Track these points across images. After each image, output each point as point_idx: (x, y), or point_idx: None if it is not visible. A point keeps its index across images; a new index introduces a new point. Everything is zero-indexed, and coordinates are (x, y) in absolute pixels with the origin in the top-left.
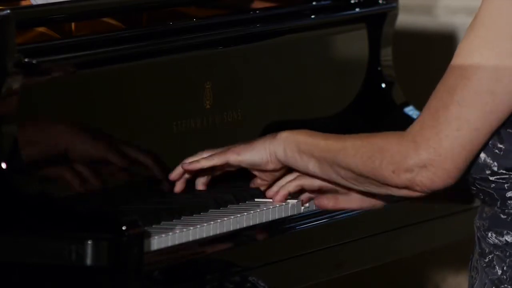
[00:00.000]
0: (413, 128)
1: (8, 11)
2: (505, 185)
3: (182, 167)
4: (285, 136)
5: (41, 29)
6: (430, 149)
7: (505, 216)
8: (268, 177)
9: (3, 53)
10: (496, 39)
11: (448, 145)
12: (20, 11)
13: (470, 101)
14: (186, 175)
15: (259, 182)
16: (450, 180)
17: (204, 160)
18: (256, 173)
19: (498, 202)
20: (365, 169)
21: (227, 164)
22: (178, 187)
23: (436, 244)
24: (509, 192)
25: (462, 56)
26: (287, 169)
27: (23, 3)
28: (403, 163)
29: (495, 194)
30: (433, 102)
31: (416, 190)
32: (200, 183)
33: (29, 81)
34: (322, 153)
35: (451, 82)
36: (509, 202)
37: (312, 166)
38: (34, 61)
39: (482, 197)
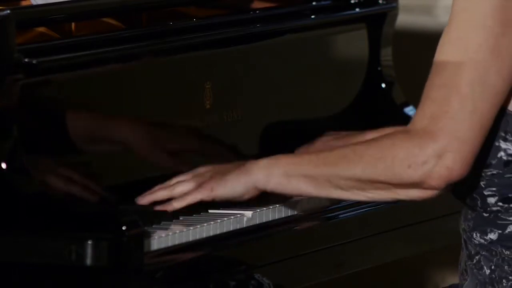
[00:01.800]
0: (421, 122)
1: (8, 11)
2: (481, 184)
3: (154, 196)
4: (264, 164)
5: (41, 29)
6: (448, 135)
7: (487, 214)
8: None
9: (3, 53)
10: (487, 18)
11: (465, 127)
12: (20, 11)
13: (480, 81)
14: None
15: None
16: (466, 167)
17: (176, 202)
18: None
19: (479, 202)
20: (374, 172)
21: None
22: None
23: (436, 244)
24: (486, 190)
25: (455, 42)
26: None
27: (23, 3)
28: (420, 155)
29: (473, 194)
30: (436, 91)
31: (430, 185)
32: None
33: (29, 81)
34: (317, 169)
35: (454, 66)
36: (488, 199)
37: (304, 187)
38: (34, 61)
39: (462, 199)
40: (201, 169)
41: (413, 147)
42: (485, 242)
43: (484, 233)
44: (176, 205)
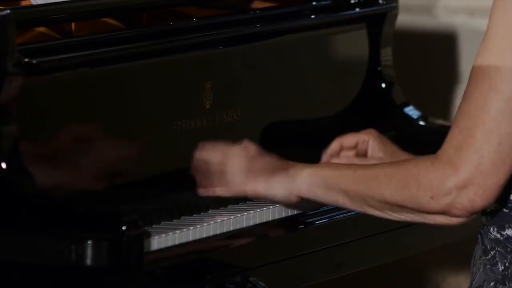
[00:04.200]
0: (447, 152)
1: (8, 11)
2: (507, 183)
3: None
4: (308, 173)
5: (41, 29)
6: (470, 168)
7: (508, 210)
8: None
9: (3, 53)
10: None
11: (489, 160)
12: (20, 11)
13: (507, 113)
14: None
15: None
16: (490, 199)
17: (220, 191)
18: None
19: (500, 197)
20: (400, 198)
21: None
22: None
23: (436, 244)
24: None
25: (483, 69)
26: None
27: (23, 3)
28: (442, 187)
29: None
30: (463, 121)
31: (454, 215)
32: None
33: (29, 81)
34: (352, 185)
35: (480, 97)
36: (511, 196)
37: (341, 200)
38: (34, 61)
39: None
40: (251, 151)
41: (436, 179)
42: (501, 238)
43: (501, 228)
44: (220, 193)
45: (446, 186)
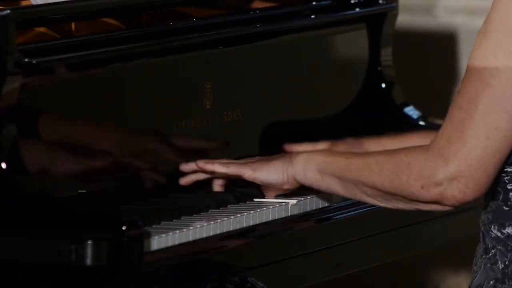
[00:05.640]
0: (438, 142)
1: (8, 11)
2: (505, 179)
3: (196, 164)
4: (304, 158)
5: (41, 29)
6: (460, 161)
7: (508, 208)
8: (279, 192)
9: (3, 53)
10: (509, 41)
11: (478, 154)
12: (20, 11)
13: (495, 108)
14: (197, 175)
15: (269, 193)
16: (481, 191)
17: (218, 164)
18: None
19: (501, 196)
20: (391, 186)
21: (239, 176)
22: (185, 180)
23: (436, 244)
24: (510, 185)
25: (477, 63)
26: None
27: (23, 3)
28: (432, 177)
29: (497, 187)
30: (455, 113)
31: (446, 204)
32: (217, 185)
33: (29, 81)
34: (345, 172)
35: (471, 91)
36: (511, 194)
37: (334, 185)
38: (34, 61)
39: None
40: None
41: (426, 169)
42: (502, 236)
43: (502, 226)
44: (218, 167)
45: (436, 176)
